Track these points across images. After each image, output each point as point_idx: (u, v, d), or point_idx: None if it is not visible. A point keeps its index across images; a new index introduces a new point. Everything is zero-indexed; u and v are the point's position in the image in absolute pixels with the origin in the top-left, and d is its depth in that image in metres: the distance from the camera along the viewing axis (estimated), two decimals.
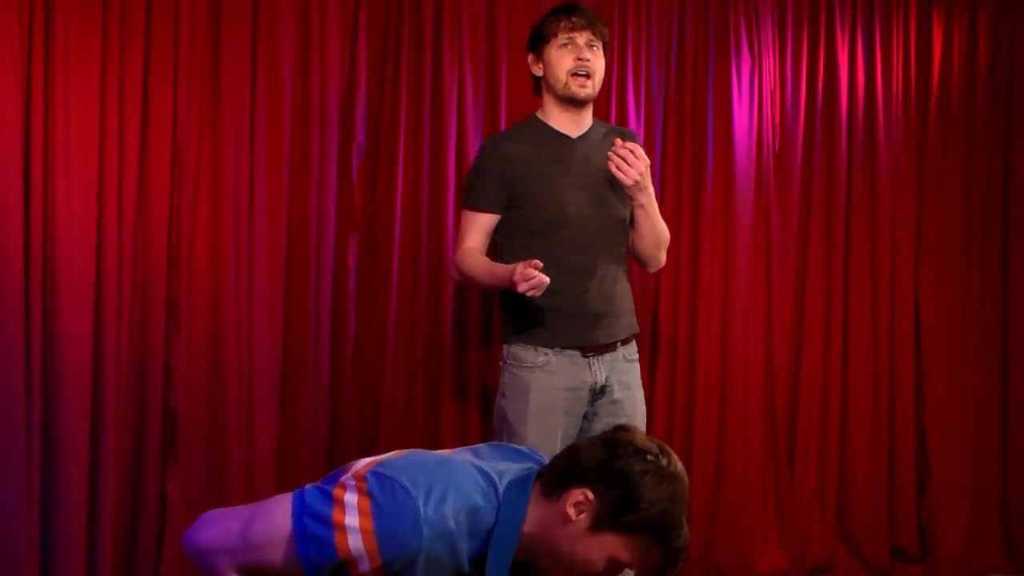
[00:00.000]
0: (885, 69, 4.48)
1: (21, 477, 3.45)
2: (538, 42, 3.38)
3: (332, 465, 3.91)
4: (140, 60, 3.63)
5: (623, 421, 3.26)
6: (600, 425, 3.29)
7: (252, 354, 3.80)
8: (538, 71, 3.40)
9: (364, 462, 2.17)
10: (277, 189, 3.83)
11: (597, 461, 2.10)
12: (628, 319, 3.44)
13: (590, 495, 2.08)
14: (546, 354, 3.30)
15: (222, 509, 2.25)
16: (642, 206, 3.34)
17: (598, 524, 2.07)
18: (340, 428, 3.94)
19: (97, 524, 3.58)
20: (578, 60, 3.32)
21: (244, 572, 2.13)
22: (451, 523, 2.07)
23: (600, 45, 3.37)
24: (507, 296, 3.29)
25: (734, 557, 4.31)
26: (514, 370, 3.34)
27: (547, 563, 2.14)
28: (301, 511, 2.09)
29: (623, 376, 3.39)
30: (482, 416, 4.02)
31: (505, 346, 3.39)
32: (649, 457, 2.09)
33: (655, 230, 3.40)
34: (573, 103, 3.36)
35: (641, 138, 4.16)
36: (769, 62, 4.36)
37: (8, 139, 3.45)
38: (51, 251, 3.52)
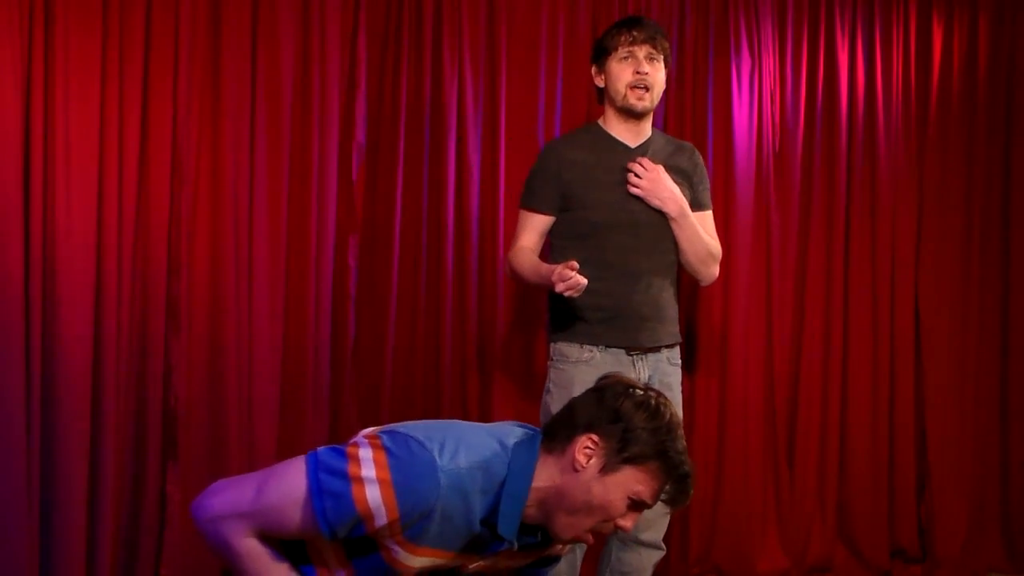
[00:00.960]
0: (885, 69, 4.48)
1: (21, 477, 3.45)
2: (600, 55, 3.48)
3: None
4: (140, 60, 3.63)
5: None
6: None
7: (252, 354, 3.80)
8: (600, 83, 3.50)
9: (367, 430, 2.18)
10: (277, 189, 3.83)
11: (593, 407, 2.17)
12: (672, 327, 3.53)
13: (595, 438, 2.13)
14: (591, 351, 3.39)
15: (229, 478, 2.22)
16: (674, 220, 3.43)
17: (608, 464, 2.12)
18: (340, 428, 3.93)
19: (97, 524, 3.58)
20: (637, 74, 3.41)
21: (258, 537, 2.11)
22: (465, 475, 2.08)
23: (660, 58, 3.46)
24: (555, 294, 3.33)
25: (734, 557, 4.31)
26: (559, 366, 3.42)
27: (563, 519, 2.15)
28: (316, 468, 2.08)
29: (665, 377, 3.47)
30: (482, 416, 4.02)
31: (552, 344, 3.47)
32: (638, 392, 2.18)
33: (693, 244, 3.48)
34: (632, 115, 3.46)
35: None
36: (769, 62, 4.36)
37: (8, 139, 3.45)
38: (51, 251, 3.52)
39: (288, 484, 2.09)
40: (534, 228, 3.48)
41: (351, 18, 3.91)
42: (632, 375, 3.38)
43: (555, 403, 3.35)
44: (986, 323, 4.59)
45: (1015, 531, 4.59)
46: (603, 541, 3.36)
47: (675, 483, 2.18)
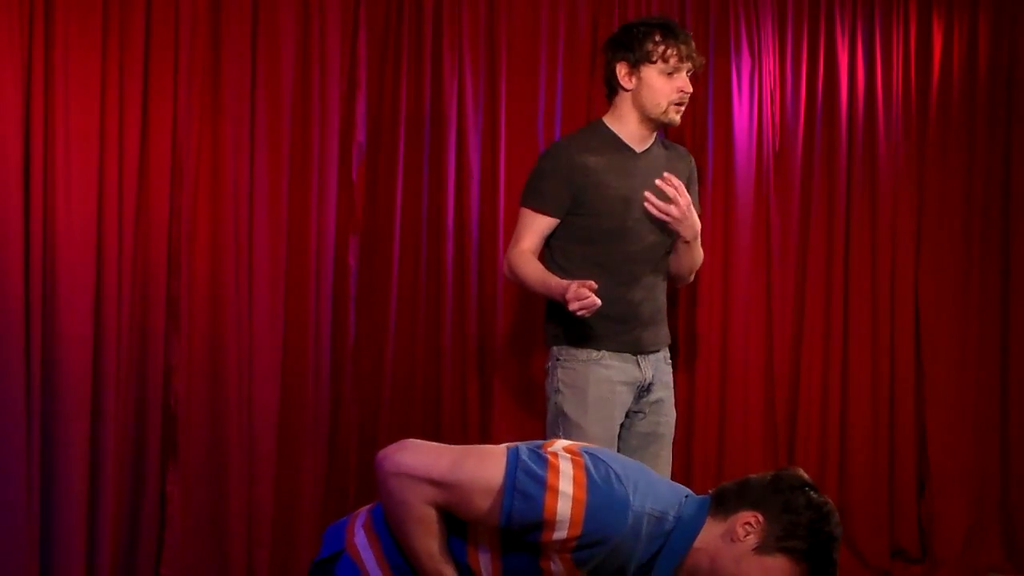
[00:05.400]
0: (885, 69, 4.48)
1: (21, 477, 3.45)
2: (637, 57, 3.38)
3: (332, 465, 3.92)
4: (140, 60, 3.63)
5: (664, 419, 3.49)
6: (645, 422, 3.45)
7: (252, 354, 3.80)
8: (629, 84, 3.41)
9: (565, 442, 2.22)
10: (277, 189, 3.83)
11: (767, 489, 2.18)
12: (666, 328, 3.57)
13: (760, 518, 2.14)
14: (599, 351, 3.39)
15: (424, 442, 2.24)
16: (687, 242, 3.44)
17: (764, 545, 2.13)
18: (340, 428, 3.94)
19: (97, 524, 3.58)
20: (681, 92, 3.39)
21: (436, 508, 2.13)
22: (644, 521, 2.12)
23: (694, 75, 3.46)
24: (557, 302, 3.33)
25: None
26: (569, 365, 3.41)
27: None
28: (516, 465, 2.10)
29: (664, 376, 3.52)
30: (482, 416, 4.02)
31: (555, 347, 3.45)
32: (814, 493, 2.18)
33: (692, 262, 3.54)
34: (660, 125, 3.46)
35: None
36: (769, 62, 4.36)
37: (8, 139, 3.44)
38: (51, 251, 3.51)
39: (486, 470, 2.11)
40: (537, 230, 3.44)
41: (351, 18, 3.91)
42: (638, 374, 3.42)
43: (567, 402, 3.38)
44: (986, 323, 4.59)
45: (1015, 531, 4.59)
46: None
47: None
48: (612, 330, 3.38)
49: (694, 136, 4.27)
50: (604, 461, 2.15)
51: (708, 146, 4.27)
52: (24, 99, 3.48)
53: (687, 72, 3.40)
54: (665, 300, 3.55)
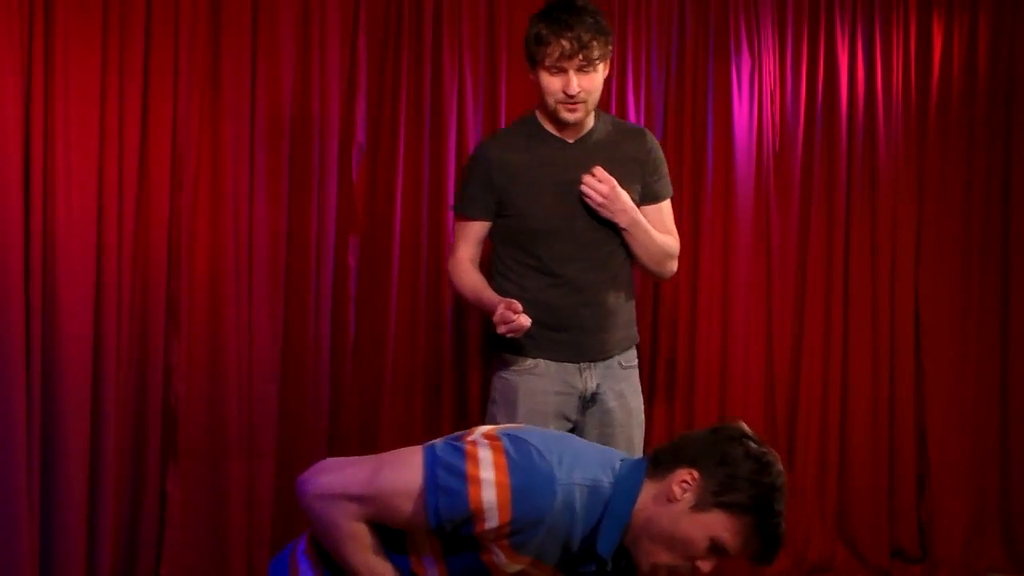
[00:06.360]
0: (885, 69, 4.47)
1: (21, 477, 3.45)
2: (529, 57, 3.16)
3: None
4: (140, 60, 3.62)
5: (616, 430, 3.26)
6: (594, 434, 3.20)
7: (252, 354, 3.80)
8: (533, 78, 3.20)
9: (485, 428, 2.17)
10: (277, 190, 3.83)
11: (703, 444, 2.13)
12: (625, 332, 3.32)
13: (696, 474, 2.09)
14: (535, 360, 3.22)
15: (338, 458, 2.21)
16: (625, 229, 3.20)
17: (701, 502, 2.08)
18: (340, 428, 3.94)
19: (97, 524, 3.58)
20: (566, 93, 3.10)
21: (367, 523, 2.10)
22: (576, 493, 2.07)
23: (596, 64, 3.11)
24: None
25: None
26: (503, 375, 3.27)
27: (646, 545, 2.12)
28: (433, 463, 2.07)
29: (617, 384, 3.28)
30: (482, 417, 4.02)
31: (493, 354, 3.34)
32: (752, 444, 2.12)
33: (646, 249, 3.25)
34: (565, 124, 3.20)
35: None
36: (769, 62, 4.36)
37: (8, 139, 3.44)
38: (51, 251, 3.51)
39: (404, 474, 2.08)
40: (470, 237, 3.27)
41: (351, 18, 3.91)
42: (579, 384, 3.24)
43: (500, 414, 3.24)
44: (986, 323, 4.59)
45: (1015, 531, 4.59)
46: None
47: (763, 543, 2.13)
48: (548, 337, 3.17)
49: (694, 136, 4.27)
50: (524, 439, 2.09)
51: (708, 146, 4.28)
52: (24, 99, 3.48)
53: (578, 69, 3.08)
54: (622, 304, 3.30)
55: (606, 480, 2.12)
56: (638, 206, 3.25)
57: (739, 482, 2.07)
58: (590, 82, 3.12)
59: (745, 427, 2.17)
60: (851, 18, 4.44)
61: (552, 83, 3.11)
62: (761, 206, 4.36)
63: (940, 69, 4.54)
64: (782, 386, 4.40)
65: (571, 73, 3.09)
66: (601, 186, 3.13)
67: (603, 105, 4.02)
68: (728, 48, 4.29)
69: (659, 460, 2.15)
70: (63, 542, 3.53)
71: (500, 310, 3.02)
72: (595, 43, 3.08)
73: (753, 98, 4.34)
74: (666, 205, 3.36)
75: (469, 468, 2.05)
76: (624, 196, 3.17)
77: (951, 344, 4.56)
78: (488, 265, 3.38)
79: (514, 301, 3.01)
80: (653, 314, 4.24)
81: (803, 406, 4.42)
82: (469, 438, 2.12)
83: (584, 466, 2.11)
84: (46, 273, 3.51)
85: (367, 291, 3.97)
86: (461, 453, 2.07)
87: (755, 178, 4.34)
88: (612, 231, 3.21)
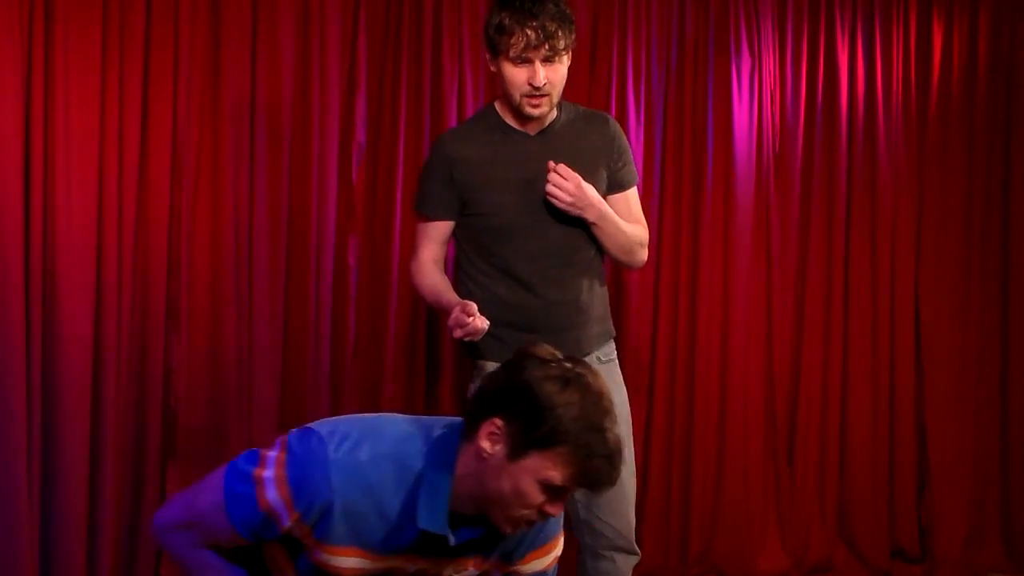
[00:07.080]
0: (885, 69, 4.47)
1: (21, 477, 3.45)
2: (490, 46, 3.00)
3: None
4: (140, 60, 3.63)
5: None
6: None
7: (252, 354, 3.80)
8: (494, 70, 3.05)
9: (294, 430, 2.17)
10: (277, 189, 3.83)
11: (499, 385, 1.99)
12: (600, 326, 3.18)
13: (499, 422, 1.96)
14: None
15: (179, 492, 2.24)
16: (594, 224, 3.06)
17: (514, 449, 1.94)
18: None
19: (97, 524, 3.58)
20: (531, 85, 2.96)
21: (208, 547, 2.12)
22: (366, 469, 2.01)
23: (562, 55, 2.98)
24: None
25: (734, 557, 4.31)
26: (475, 382, 3.12)
27: (491, 509, 2.01)
28: (230, 474, 2.09)
29: None
30: None
31: (469, 360, 3.20)
32: (552, 364, 1.97)
33: (617, 241, 3.11)
34: (530, 118, 3.06)
35: (641, 137, 4.17)
36: (769, 62, 4.36)
37: (8, 139, 3.45)
38: (51, 251, 3.52)
39: (210, 493, 2.10)
40: (431, 237, 3.11)
41: (351, 18, 3.91)
42: None
43: None
44: (986, 323, 4.59)
45: (1015, 531, 4.59)
46: (576, 550, 3.16)
47: (596, 464, 1.93)
48: (516, 339, 2.88)
49: (694, 136, 4.27)
50: (310, 429, 2.06)
51: (708, 146, 4.27)
52: (24, 99, 3.48)
53: (544, 60, 2.94)
54: (595, 299, 3.14)
55: (415, 451, 2.02)
56: (604, 196, 3.11)
57: (543, 413, 1.91)
58: (555, 73, 2.98)
59: (541, 349, 2.01)
60: (851, 18, 4.44)
61: (517, 75, 2.97)
62: (761, 206, 4.36)
63: (940, 69, 4.53)
64: (782, 386, 4.40)
65: (537, 64, 2.95)
66: (567, 184, 2.99)
67: (603, 104, 4.04)
68: (728, 48, 4.29)
69: (469, 418, 2.02)
70: (63, 542, 3.53)
71: (455, 313, 2.82)
72: (560, 32, 2.95)
73: (753, 98, 4.33)
74: (632, 193, 3.21)
75: (256, 471, 2.06)
76: (591, 191, 3.04)
77: (951, 344, 4.55)
78: (454, 268, 3.27)
79: (470, 303, 2.84)
80: (653, 314, 4.24)
81: (803, 406, 4.42)
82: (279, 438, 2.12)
83: (378, 440, 2.03)
84: (46, 273, 3.52)
85: (367, 291, 3.97)
86: (255, 458, 2.08)
87: (755, 178, 4.34)
88: (579, 226, 3.08)
